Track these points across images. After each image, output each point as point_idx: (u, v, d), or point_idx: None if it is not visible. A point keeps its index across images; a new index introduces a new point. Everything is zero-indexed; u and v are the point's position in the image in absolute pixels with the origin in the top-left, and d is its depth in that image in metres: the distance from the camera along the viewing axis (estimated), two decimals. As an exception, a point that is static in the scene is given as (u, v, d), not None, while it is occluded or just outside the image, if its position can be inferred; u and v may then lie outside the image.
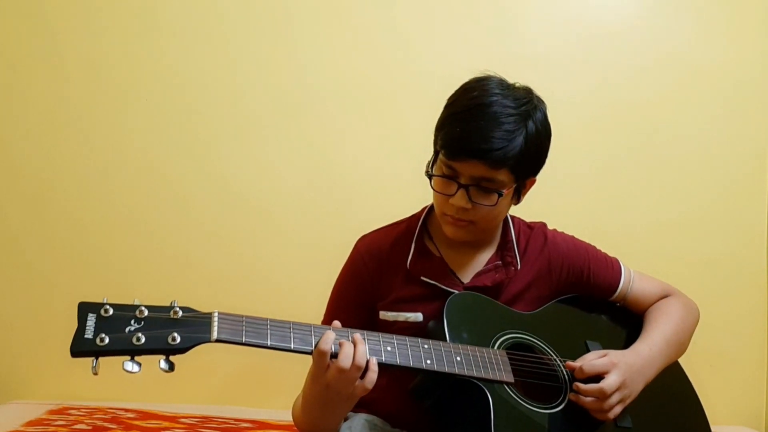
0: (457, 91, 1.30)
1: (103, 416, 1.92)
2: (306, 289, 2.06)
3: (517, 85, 1.29)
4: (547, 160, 2.10)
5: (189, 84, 2.21)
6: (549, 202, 2.09)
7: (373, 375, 1.08)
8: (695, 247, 2.15)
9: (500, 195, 1.24)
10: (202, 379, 2.12)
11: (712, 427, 1.42)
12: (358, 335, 1.10)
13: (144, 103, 2.21)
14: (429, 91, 2.15)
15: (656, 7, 2.18)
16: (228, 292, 2.19)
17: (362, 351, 1.07)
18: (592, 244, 1.48)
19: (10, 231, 2.22)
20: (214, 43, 2.21)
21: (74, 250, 2.21)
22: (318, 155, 2.19)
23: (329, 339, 1.07)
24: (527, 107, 1.25)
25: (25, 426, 1.83)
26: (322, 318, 1.41)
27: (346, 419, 1.32)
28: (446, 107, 1.29)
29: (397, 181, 2.14)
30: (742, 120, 2.16)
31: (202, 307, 2.29)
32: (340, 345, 1.07)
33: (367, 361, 1.08)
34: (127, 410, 1.98)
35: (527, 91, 1.29)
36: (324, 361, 1.07)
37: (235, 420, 1.98)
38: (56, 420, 1.88)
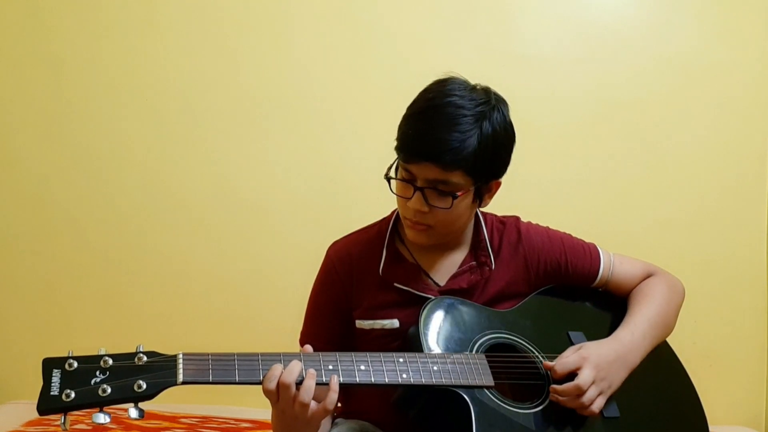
0: (418, 94, 1.29)
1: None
2: (301, 290, 2.06)
3: (477, 86, 1.27)
4: (546, 160, 2.12)
5: (184, 84, 2.22)
6: (547, 201, 2.09)
7: (333, 395, 1.07)
8: (695, 247, 2.14)
9: (455, 197, 1.21)
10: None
11: (712, 428, 1.40)
12: (312, 371, 1.07)
13: (140, 103, 2.22)
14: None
15: (656, 7, 2.17)
16: (226, 290, 2.20)
17: (295, 371, 1.05)
18: (593, 242, 1.46)
19: (10, 232, 2.23)
20: (210, 43, 2.22)
21: (74, 251, 2.22)
22: (313, 156, 2.20)
23: (274, 375, 1.05)
24: (484, 108, 1.21)
25: (25, 426, 1.84)
26: (301, 329, 1.40)
27: (335, 425, 1.32)
28: (406, 109, 1.29)
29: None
30: (742, 120, 2.15)
31: (201, 306, 2.30)
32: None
33: (329, 381, 1.07)
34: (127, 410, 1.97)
35: (486, 92, 1.26)
36: (273, 393, 1.06)
37: (235, 420, 1.98)
38: (56, 420, 1.88)
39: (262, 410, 2.04)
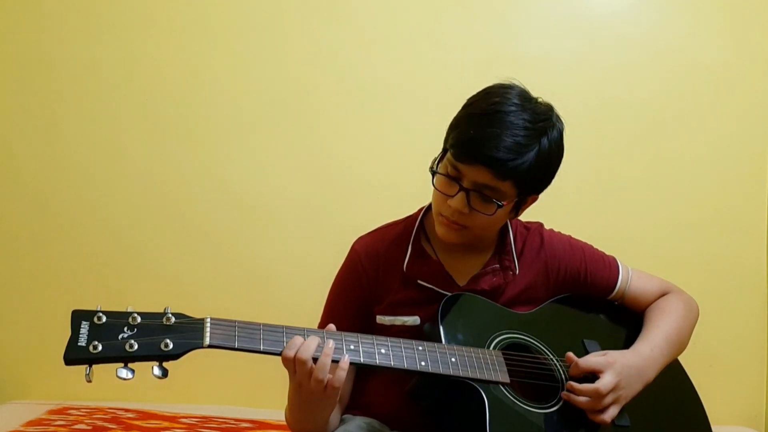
0: (478, 93, 1.27)
1: (103, 416, 1.92)
2: (305, 288, 2.06)
3: (539, 99, 1.27)
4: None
5: (186, 84, 2.21)
6: (547, 201, 2.08)
7: (341, 373, 1.08)
8: (695, 247, 2.15)
9: (499, 206, 1.22)
10: (202, 379, 2.12)
11: (713, 427, 1.41)
12: (331, 341, 1.09)
13: (141, 104, 2.22)
14: (428, 90, 2.16)
15: (656, 7, 2.17)
16: (227, 291, 2.19)
17: (312, 345, 1.07)
18: (592, 243, 1.47)
19: (10, 233, 2.23)
20: (211, 43, 2.21)
21: (74, 251, 2.22)
22: (317, 155, 2.20)
23: (294, 345, 1.07)
24: (545, 124, 1.22)
25: (25, 426, 1.83)
26: (319, 320, 1.40)
27: (342, 422, 1.32)
28: (464, 107, 1.27)
29: (396, 180, 2.14)
30: (742, 119, 2.16)
31: (201, 306, 2.28)
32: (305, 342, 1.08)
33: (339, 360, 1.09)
34: (127, 410, 1.98)
35: (548, 108, 1.27)
36: (290, 364, 1.07)
37: (235, 420, 1.98)
38: (56, 420, 1.89)
39: (262, 410, 2.05)
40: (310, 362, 1.06)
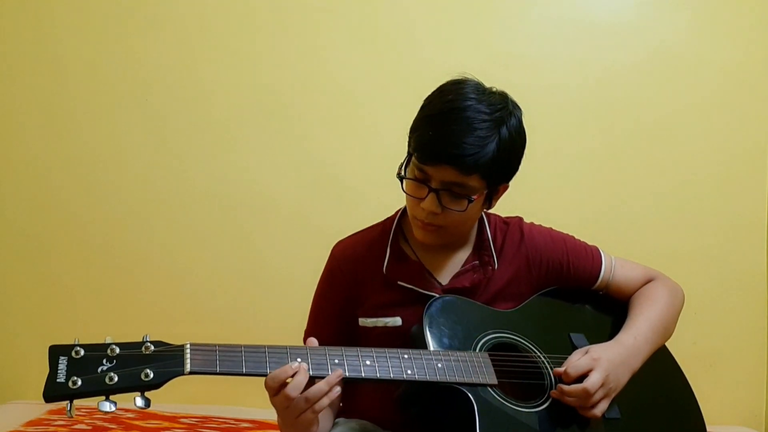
0: (433, 93, 1.28)
1: (103, 416, 1.92)
2: (305, 289, 2.06)
3: (493, 89, 1.27)
4: (546, 159, 2.12)
5: (185, 83, 2.22)
6: (546, 201, 2.09)
7: (326, 400, 1.06)
8: (695, 245, 2.15)
9: (470, 201, 1.22)
10: (202, 379, 2.11)
11: (712, 428, 1.40)
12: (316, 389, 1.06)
13: (137, 104, 2.23)
14: (422, 90, 2.13)
15: (656, 5, 2.17)
16: (227, 292, 2.20)
17: (301, 381, 1.05)
18: (592, 244, 1.47)
19: (12, 233, 2.24)
20: (211, 43, 2.22)
21: (75, 252, 2.23)
22: (316, 156, 2.20)
23: (278, 378, 1.04)
24: (502, 113, 1.22)
25: (25, 426, 1.84)
26: (305, 327, 1.40)
27: (336, 425, 1.32)
28: (421, 109, 1.28)
29: (388, 180, 2.13)
30: (742, 118, 2.15)
31: (201, 309, 2.30)
32: (294, 374, 1.05)
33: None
34: (127, 410, 1.98)
35: (503, 97, 1.26)
36: (272, 391, 1.06)
37: (235, 420, 1.98)
38: (56, 420, 1.89)
39: (262, 410, 2.05)
40: (296, 398, 1.04)
